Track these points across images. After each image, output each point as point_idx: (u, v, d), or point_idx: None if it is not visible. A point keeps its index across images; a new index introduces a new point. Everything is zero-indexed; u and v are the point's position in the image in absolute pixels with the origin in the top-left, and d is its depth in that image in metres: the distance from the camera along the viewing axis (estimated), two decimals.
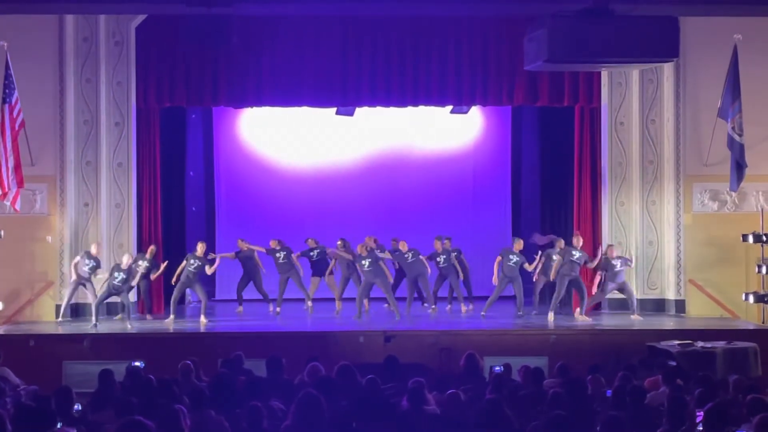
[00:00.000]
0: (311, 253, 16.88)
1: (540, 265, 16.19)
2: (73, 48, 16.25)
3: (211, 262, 16.07)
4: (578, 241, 16.04)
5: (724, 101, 15.61)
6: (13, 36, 15.23)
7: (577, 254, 15.82)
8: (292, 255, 16.58)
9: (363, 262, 15.91)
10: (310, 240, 16.96)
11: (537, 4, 11.15)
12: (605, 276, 15.94)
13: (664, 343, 13.77)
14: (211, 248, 18.70)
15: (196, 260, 15.76)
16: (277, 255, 16.46)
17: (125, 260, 15.51)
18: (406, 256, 16.33)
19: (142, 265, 15.84)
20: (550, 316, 15.65)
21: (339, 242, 16.72)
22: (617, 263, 15.79)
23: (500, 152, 19.44)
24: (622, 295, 16.17)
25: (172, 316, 15.74)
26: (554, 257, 16.06)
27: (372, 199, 19.04)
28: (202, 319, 15.65)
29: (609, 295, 16.59)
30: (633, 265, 16.26)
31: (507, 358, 12.30)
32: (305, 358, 10.69)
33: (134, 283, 15.68)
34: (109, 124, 16.52)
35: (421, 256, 16.37)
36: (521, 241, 16.37)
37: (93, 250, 15.60)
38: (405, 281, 16.65)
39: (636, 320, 15.74)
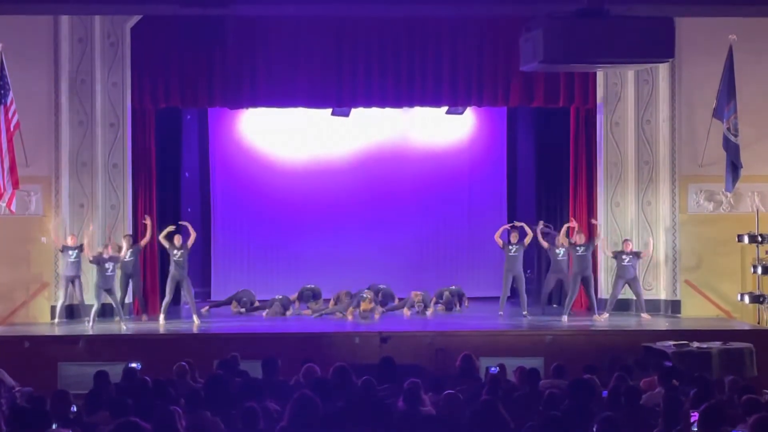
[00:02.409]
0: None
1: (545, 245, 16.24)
2: (68, 49, 16.23)
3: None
4: (579, 235, 16.10)
5: (720, 102, 15.62)
6: (8, 37, 15.19)
7: (581, 248, 15.87)
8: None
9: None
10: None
11: (532, 5, 11.15)
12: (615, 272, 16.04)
13: (660, 344, 13.78)
14: (207, 252, 18.73)
15: (178, 250, 15.75)
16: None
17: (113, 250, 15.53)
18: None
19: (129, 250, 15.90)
20: (565, 318, 15.64)
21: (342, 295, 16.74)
22: (626, 258, 15.81)
23: (496, 152, 19.43)
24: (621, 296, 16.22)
25: (161, 315, 15.81)
26: (558, 251, 16.08)
27: (368, 199, 19.01)
28: (195, 319, 15.65)
29: (606, 296, 16.62)
30: (650, 252, 16.20)
31: (503, 358, 12.29)
32: (301, 359, 10.69)
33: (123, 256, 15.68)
34: (104, 125, 16.50)
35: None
36: (517, 233, 16.41)
37: (69, 241, 15.54)
38: None
39: (646, 320, 15.78)
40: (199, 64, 16.56)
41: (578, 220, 17.12)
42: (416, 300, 16.55)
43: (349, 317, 15.93)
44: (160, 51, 16.55)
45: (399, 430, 7.99)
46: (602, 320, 15.75)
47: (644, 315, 15.90)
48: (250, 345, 13.65)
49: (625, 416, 8.16)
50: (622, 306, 16.41)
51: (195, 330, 15.30)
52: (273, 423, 7.82)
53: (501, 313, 16.19)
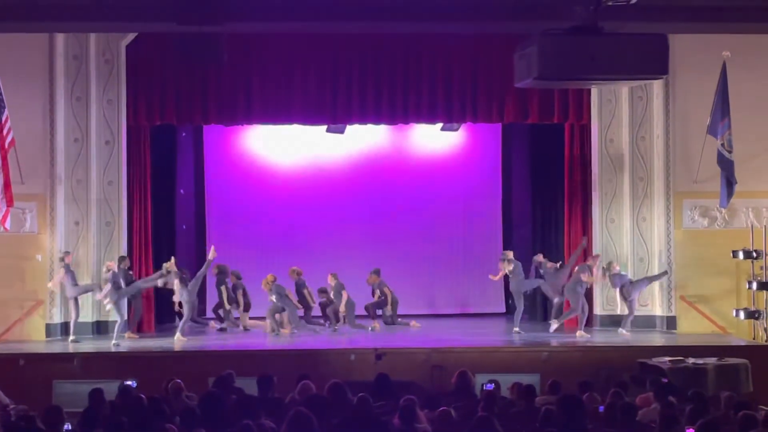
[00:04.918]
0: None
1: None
2: (63, 66, 16.24)
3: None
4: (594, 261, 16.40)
5: (714, 118, 15.65)
6: (3, 54, 15.22)
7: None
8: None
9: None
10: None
11: (526, 22, 11.18)
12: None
13: (656, 360, 13.79)
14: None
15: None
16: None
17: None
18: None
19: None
20: (580, 333, 15.74)
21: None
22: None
23: (491, 169, 19.45)
24: (613, 312, 16.24)
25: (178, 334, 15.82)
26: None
27: (363, 216, 19.02)
28: (178, 335, 15.70)
29: (601, 312, 16.69)
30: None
31: (499, 375, 12.25)
32: (296, 377, 10.65)
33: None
34: (99, 143, 16.50)
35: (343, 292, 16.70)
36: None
37: (68, 260, 15.67)
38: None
39: (621, 335, 15.86)
40: (193, 82, 16.57)
41: (573, 236, 17.18)
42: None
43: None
44: (155, 68, 16.56)
45: None
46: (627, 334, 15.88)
47: (621, 330, 16.02)
48: (246, 362, 13.61)
49: None
50: (615, 322, 16.40)
51: (176, 348, 15.26)
52: None
53: (517, 329, 16.14)
